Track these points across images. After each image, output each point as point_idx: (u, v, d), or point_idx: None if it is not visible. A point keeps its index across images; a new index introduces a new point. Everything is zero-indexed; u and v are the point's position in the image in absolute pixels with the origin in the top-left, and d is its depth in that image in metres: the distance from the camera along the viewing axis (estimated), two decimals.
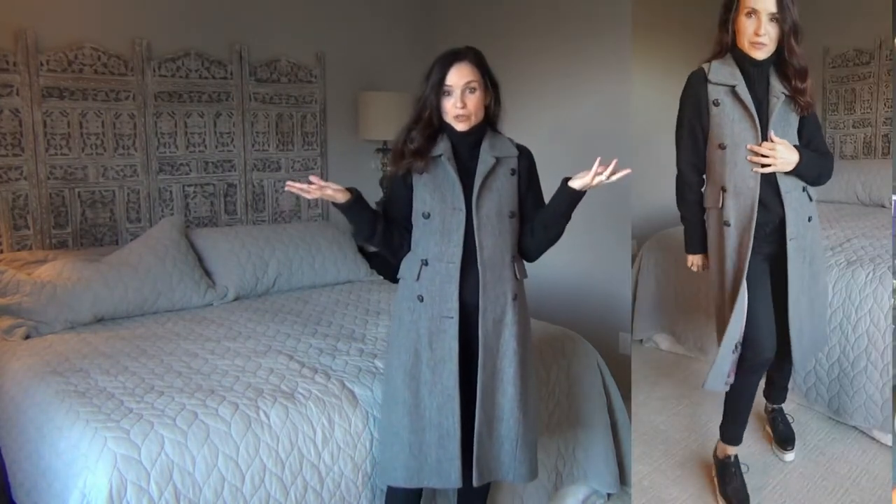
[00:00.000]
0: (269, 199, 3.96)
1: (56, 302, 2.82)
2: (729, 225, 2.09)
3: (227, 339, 2.64)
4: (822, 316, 2.43)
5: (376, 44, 4.24)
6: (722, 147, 2.06)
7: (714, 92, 2.05)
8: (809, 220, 2.13)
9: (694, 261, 2.27)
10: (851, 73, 4.14)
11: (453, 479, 1.93)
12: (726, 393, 2.24)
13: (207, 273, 3.26)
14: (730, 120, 2.04)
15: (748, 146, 2.02)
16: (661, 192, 3.01)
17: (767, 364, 2.23)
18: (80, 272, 2.93)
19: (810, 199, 2.13)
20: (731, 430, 2.29)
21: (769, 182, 2.05)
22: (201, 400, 2.10)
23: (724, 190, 2.08)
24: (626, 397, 2.77)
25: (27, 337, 2.73)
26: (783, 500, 2.34)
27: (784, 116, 2.06)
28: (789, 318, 2.15)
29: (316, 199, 1.95)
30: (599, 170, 1.88)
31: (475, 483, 1.96)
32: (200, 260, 3.28)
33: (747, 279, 2.07)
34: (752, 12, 1.98)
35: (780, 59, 2.03)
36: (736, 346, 2.10)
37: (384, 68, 4.24)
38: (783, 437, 2.55)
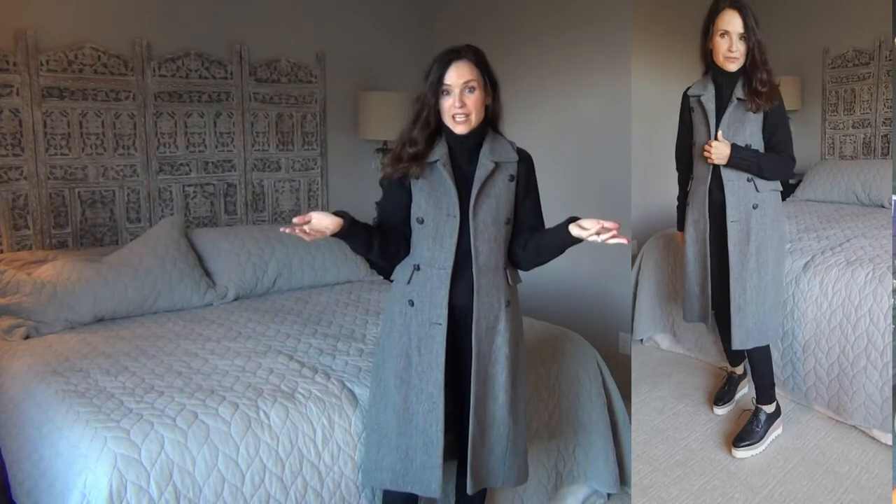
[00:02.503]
0: (269, 199, 3.96)
1: (56, 302, 2.82)
2: (689, 205, 2.64)
3: (227, 339, 2.64)
4: (772, 307, 2.56)
5: (376, 44, 4.24)
6: (694, 144, 2.60)
7: (691, 102, 2.58)
8: (755, 207, 2.50)
9: (681, 236, 2.77)
10: (851, 73, 4.14)
11: (433, 489, 1.91)
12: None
13: (207, 273, 3.26)
14: (698, 123, 2.56)
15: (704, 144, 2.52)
16: (661, 192, 3.03)
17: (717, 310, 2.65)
18: (80, 272, 2.93)
19: (757, 190, 2.50)
20: (729, 358, 2.92)
21: (716, 174, 2.51)
22: (201, 400, 2.10)
23: (693, 177, 2.64)
24: (626, 397, 2.78)
25: (27, 337, 2.72)
26: (783, 500, 2.34)
27: (738, 117, 2.47)
28: (730, 292, 2.51)
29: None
30: (598, 229, 1.80)
31: (469, 491, 1.95)
32: (200, 260, 3.28)
33: (700, 250, 2.60)
34: (725, 33, 2.43)
35: (745, 70, 2.45)
36: (702, 291, 2.62)
37: (384, 68, 4.25)
38: (739, 437, 2.61)
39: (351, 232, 1.88)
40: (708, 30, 2.46)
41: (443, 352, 1.91)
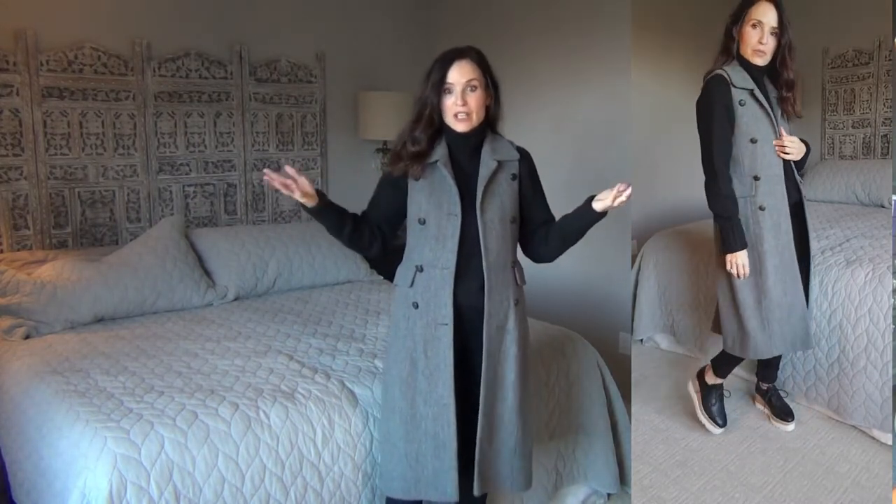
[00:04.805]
0: (269, 199, 3.96)
1: (56, 302, 2.83)
2: (764, 209, 2.37)
3: (227, 339, 2.64)
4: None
5: (376, 44, 4.24)
6: (753, 141, 2.36)
7: (737, 94, 2.34)
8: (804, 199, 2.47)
9: (736, 259, 2.36)
10: (851, 73, 4.14)
11: (449, 493, 1.91)
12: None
13: (207, 273, 3.26)
14: (756, 118, 2.35)
15: (774, 140, 2.35)
16: (661, 192, 3.02)
17: None
18: (80, 272, 2.93)
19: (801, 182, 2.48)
20: (724, 369, 2.65)
21: (785, 170, 2.39)
22: (201, 400, 2.10)
23: (756, 178, 2.37)
24: (626, 397, 2.78)
25: (27, 337, 2.73)
26: (783, 500, 2.34)
27: (779, 111, 2.40)
28: (808, 291, 2.48)
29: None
30: (621, 188, 1.90)
31: (476, 492, 1.94)
32: (200, 260, 3.28)
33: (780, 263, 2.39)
34: (757, 24, 2.30)
35: (772, 69, 2.36)
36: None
37: (384, 68, 4.25)
38: (783, 411, 2.67)
39: (322, 212, 1.90)
40: (738, 18, 2.35)
41: (451, 352, 1.90)
